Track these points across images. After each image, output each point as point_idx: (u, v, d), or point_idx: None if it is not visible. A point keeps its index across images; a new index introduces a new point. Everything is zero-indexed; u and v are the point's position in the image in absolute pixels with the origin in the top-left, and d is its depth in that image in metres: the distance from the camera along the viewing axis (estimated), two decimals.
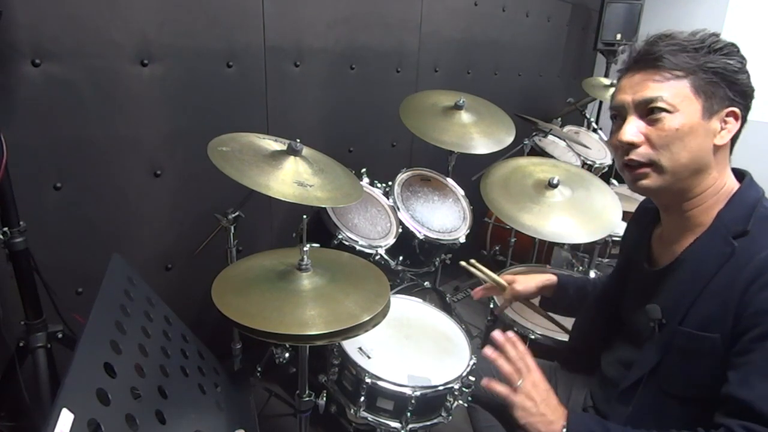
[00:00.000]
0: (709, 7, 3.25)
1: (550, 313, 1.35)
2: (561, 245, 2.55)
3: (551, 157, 2.48)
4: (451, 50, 2.59)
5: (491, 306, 1.66)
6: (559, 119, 2.96)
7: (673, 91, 0.81)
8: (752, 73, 0.83)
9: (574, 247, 2.42)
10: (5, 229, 1.20)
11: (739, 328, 0.76)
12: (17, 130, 1.36)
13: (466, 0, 2.58)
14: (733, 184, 0.87)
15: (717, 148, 0.83)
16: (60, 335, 1.33)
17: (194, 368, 0.98)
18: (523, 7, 2.93)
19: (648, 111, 0.83)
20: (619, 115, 0.88)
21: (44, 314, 1.31)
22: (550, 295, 1.27)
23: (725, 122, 0.82)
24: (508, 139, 1.97)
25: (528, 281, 1.27)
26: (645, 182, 0.85)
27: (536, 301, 1.33)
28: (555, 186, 1.63)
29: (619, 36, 3.17)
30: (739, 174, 0.89)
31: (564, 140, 2.66)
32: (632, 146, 0.84)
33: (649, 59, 0.83)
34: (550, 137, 2.66)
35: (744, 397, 0.73)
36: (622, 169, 0.89)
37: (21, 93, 1.37)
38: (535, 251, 2.58)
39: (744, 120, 0.84)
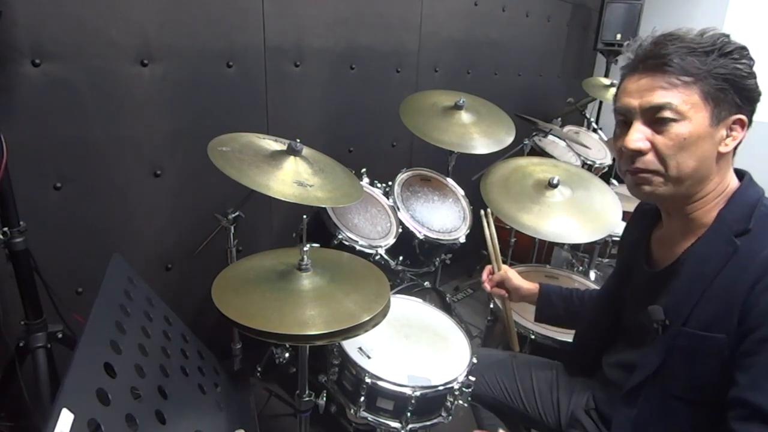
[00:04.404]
0: (709, 7, 3.25)
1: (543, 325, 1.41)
2: (561, 245, 2.56)
3: (551, 157, 2.48)
4: (451, 50, 2.59)
5: (491, 306, 1.66)
6: (559, 119, 2.96)
7: (683, 98, 0.78)
8: None
9: (574, 247, 2.43)
10: (5, 229, 1.20)
11: (744, 327, 0.75)
12: (17, 130, 1.36)
13: (466, 0, 2.58)
14: (734, 185, 0.87)
15: (720, 155, 0.82)
16: (60, 335, 1.33)
17: (194, 368, 0.98)
18: (523, 7, 2.93)
19: (655, 118, 0.81)
20: (624, 119, 0.86)
21: (44, 314, 1.31)
22: (534, 302, 1.30)
23: (731, 129, 0.81)
24: (508, 139, 1.97)
25: (517, 277, 1.33)
26: (649, 188, 0.84)
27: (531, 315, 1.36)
28: (555, 186, 1.63)
29: (619, 36, 3.17)
30: (739, 174, 0.89)
31: (564, 140, 2.66)
32: (638, 153, 0.82)
33: (657, 62, 0.80)
34: (550, 137, 2.66)
35: (757, 402, 0.72)
36: (625, 174, 0.88)
37: (21, 93, 1.37)
38: (535, 251, 2.58)
39: (749, 126, 0.83)
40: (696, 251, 0.86)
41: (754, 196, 0.84)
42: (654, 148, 0.82)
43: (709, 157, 0.81)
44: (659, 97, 0.79)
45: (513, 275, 1.32)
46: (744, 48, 0.80)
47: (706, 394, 0.82)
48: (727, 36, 0.79)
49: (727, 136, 0.81)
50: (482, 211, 1.42)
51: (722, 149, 0.81)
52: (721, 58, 0.78)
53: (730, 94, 0.78)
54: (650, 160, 0.82)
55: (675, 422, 0.86)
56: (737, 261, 0.78)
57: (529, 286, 1.30)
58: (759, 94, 0.81)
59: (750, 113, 0.82)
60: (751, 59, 0.80)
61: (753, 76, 0.80)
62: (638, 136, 0.82)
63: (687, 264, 0.87)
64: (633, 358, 0.96)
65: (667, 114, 0.79)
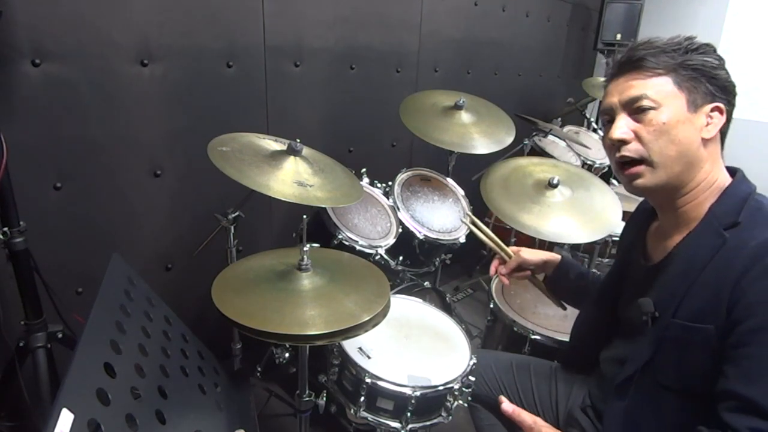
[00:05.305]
0: (709, 7, 3.25)
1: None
2: (561, 245, 2.55)
3: (551, 157, 2.48)
4: (451, 50, 2.59)
5: (491, 306, 1.66)
6: (559, 119, 2.97)
7: (657, 88, 0.85)
8: (752, 73, 0.84)
9: (574, 247, 2.43)
10: (5, 229, 1.20)
11: (732, 318, 0.76)
12: (17, 130, 1.36)
13: (466, 0, 2.58)
14: (725, 180, 0.89)
15: (706, 142, 0.86)
16: (60, 335, 1.33)
17: (194, 368, 0.98)
18: (523, 7, 2.93)
19: (635, 109, 0.87)
20: (609, 118, 0.92)
21: (44, 314, 1.31)
22: (551, 273, 1.28)
23: (710, 117, 0.85)
24: (508, 139, 1.97)
25: (534, 252, 1.28)
26: (641, 181, 0.88)
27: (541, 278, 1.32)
28: (555, 186, 1.63)
29: (619, 36, 3.17)
30: (732, 171, 0.91)
31: (564, 140, 2.66)
32: (623, 143, 0.88)
33: (632, 63, 0.88)
34: (550, 137, 2.67)
35: (748, 395, 0.73)
36: (618, 171, 0.92)
37: (21, 93, 1.37)
38: None
39: (729, 115, 0.87)
40: (686, 245, 0.88)
41: (746, 191, 0.86)
42: (637, 136, 0.87)
43: (693, 143, 0.85)
44: (636, 89, 0.86)
45: (529, 254, 1.26)
46: (709, 45, 0.87)
47: (696, 384, 0.83)
48: (693, 37, 0.87)
49: (708, 123, 0.85)
50: (463, 221, 1.38)
51: (705, 135, 0.85)
52: (689, 53, 0.85)
53: (703, 83, 0.84)
54: (634, 148, 0.87)
55: (665, 413, 0.87)
56: (725, 253, 0.80)
57: (549, 256, 1.27)
58: (732, 85, 0.87)
59: (728, 103, 0.86)
60: (718, 54, 0.86)
61: (723, 68, 0.86)
62: (621, 126, 0.88)
63: (677, 257, 0.89)
64: (626, 352, 0.97)
65: (645, 103, 0.85)
